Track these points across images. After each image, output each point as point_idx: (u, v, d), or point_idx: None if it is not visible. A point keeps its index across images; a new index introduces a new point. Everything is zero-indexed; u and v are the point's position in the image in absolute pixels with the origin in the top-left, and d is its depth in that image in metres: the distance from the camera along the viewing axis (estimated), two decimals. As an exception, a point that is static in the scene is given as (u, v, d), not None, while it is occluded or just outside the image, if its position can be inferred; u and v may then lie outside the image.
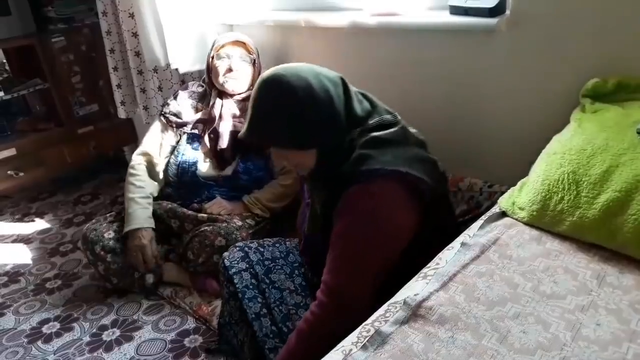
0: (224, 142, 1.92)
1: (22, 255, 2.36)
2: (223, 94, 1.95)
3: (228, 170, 1.95)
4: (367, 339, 0.90)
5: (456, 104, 1.66)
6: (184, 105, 2.02)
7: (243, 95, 1.95)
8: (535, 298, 0.93)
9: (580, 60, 1.35)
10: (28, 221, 2.67)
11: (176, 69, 2.26)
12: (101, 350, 1.73)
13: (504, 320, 0.89)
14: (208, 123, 1.95)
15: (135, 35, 2.28)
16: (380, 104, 1.27)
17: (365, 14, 1.75)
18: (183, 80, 2.38)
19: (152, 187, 1.97)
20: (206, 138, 1.94)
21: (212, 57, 1.92)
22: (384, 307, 0.98)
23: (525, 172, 1.22)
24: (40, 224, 2.63)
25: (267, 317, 1.31)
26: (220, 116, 1.92)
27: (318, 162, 1.22)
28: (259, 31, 2.15)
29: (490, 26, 1.43)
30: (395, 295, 1.01)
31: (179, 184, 1.98)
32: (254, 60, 1.94)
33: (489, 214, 1.20)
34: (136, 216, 1.86)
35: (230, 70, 1.89)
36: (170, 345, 1.72)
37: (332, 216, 1.18)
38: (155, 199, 1.98)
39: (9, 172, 2.62)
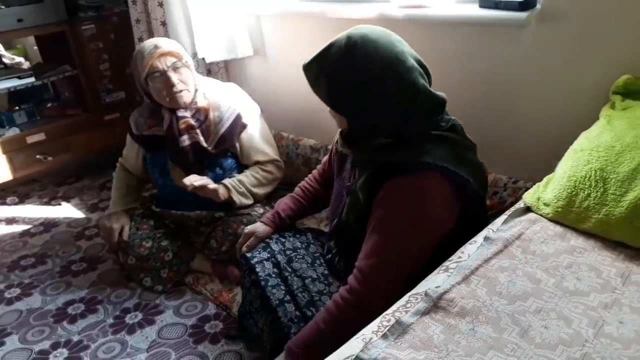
0: (189, 158, 1.84)
1: (49, 238, 2.42)
2: (173, 109, 1.83)
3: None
4: (387, 328, 0.90)
5: (482, 98, 1.65)
6: (139, 124, 1.95)
7: (197, 105, 1.85)
8: (558, 294, 0.93)
9: (611, 57, 1.33)
10: (55, 205, 2.73)
11: (203, 59, 2.28)
12: (124, 332, 1.77)
13: (525, 314, 0.89)
14: (169, 141, 1.85)
15: (163, 24, 2.31)
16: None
17: (392, 6, 1.74)
18: (209, 70, 2.40)
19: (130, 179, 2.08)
20: (169, 159, 1.89)
21: (146, 81, 1.78)
22: (405, 297, 0.99)
23: (550, 169, 1.21)
24: (66, 208, 2.69)
25: (290, 303, 1.32)
26: (179, 132, 1.81)
27: (349, 131, 1.24)
28: (286, 22, 2.15)
29: (520, 20, 1.41)
30: (417, 287, 1.01)
31: (168, 198, 1.98)
32: (185, 61, 1.81)
33: (513, 209, 1.19)
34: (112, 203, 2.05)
35: (171, 86, 1.76)
36: (190, 330, 1.75)
37: (371, 203, 1.19)
38: (158, 205, 2.00)
39: (37, 156, 2.69)
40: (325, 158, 1.59)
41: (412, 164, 1.14)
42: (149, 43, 1.81)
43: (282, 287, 1.35)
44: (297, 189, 1.62)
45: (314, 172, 1.63)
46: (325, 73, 1.17)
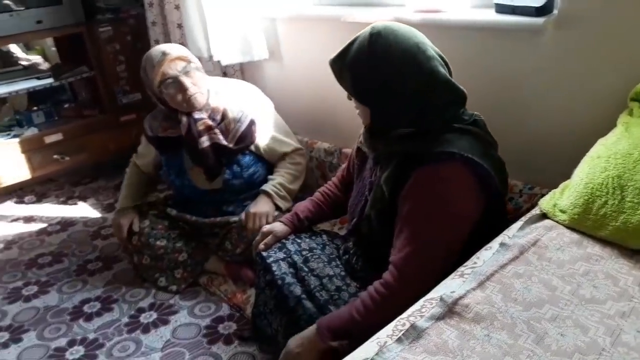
0: (209, 160, 1.86)
1: (66, 237, 2.45)
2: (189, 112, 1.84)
3: (217, 183, 1.91)
4: (402, 332, 0.91)
5: (498, 103, 1.64)
6: (154, 128, 1.97)
7: (210, 106, 1.86)
8: (574, 301, 0.93)
9: (629, 64, 1.32)
10: (71, 204, 2.77)
11: (218, 61, 2.30)
12: (138, 331, 1.80)
13: (541, 321, 0.89)
14: (188, 144, 1.86)
15: (179, 26, 2.33)
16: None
17: (408, 11, 1.74)
18: (225, 72, 2.42)
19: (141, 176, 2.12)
20: (187, 158, 1.91)
21: (160, 89, 1.79)
22: (420, 302, 0.99)
23: (566, 176, 1.21)
24: (82, 208, 2.72)
25: (308, 301, 1.32)
26: (199, 134, 1.83)
27: (370, 123, 1.26)
28: (301, 25, 2.16)
29: (537, 26, 1.41)
30: (432, 292, 1.02)
31: (185, 200, 2.01)
32: (194, 64, 1.82)
33: (529, 215, 1.19)
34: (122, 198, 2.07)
35: (185, 90, 1.77)
36: (204, 331, 1.76)
37: (396, 197, 1.20)
38: (173, 206, 2.03)
39: (54, 156, 2.73)
40: (345, 165, 1.60)
41: (437, 153, 1.15)
42: (155, 51, 1.81)
43: (299, 286, 1.35)
44: (316, 193, 1.63)
45: (334, 178, 1.65)
46: (349, 63, 1.21)
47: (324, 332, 1.17)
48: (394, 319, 0.97)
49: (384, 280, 1.17)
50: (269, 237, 1.52)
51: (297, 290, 1.34)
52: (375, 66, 1.17)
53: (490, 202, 1.20)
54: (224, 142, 1.84)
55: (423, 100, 1.17)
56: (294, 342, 1.22)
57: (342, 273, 1.42)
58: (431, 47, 1.20)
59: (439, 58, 1.20)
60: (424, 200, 1.15)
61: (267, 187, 1.89)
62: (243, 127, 1.87)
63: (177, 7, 2.30)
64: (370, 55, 1.17)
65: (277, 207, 1.87)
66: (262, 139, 1.93)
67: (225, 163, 1.89)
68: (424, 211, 1.15)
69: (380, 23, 1.21)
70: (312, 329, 1.21)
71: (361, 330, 1.05)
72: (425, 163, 1.15)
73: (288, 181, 1.92)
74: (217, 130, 1.84)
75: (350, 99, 1.28)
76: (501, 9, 1.51)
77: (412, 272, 1.14)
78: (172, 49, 1.81)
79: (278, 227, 1.54)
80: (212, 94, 1.88)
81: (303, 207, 1.59)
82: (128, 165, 2.15)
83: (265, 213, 1.83)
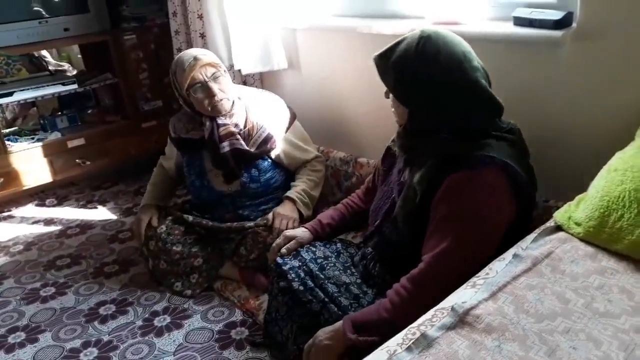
0: (229, 164, 1.89)
1: (84, 240, 2.49)
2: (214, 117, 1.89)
3: (235, 185, 1.94)
4: (412, 341, 0.91)
5: (515, 116, 1.62)
6: (178, 129, 2.01)
7: (235, 112, 1.91)
8: (588, 315, 0.92)
9: (649, 77, 1.31)
10: (91, 208, 2.82)
11: (239, 70, 2.33)
12: (152, 334, 1.81)
13: (553, 334, 0.88)
14: (210, 147, 1.90)
15: (202, 35, 2.38)
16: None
17: (426, 23, 1.75)
18: (245, 82, 2.45)
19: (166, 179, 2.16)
20: (207, 160, 1.95)
21: (188, 93, 1.84)
22: (431, 311, 0.99)
23: (582, 188, 1.20)
24: (102, 211, 2.77)
25: (331, 304, 1.33)
26: (220, 139, 1.87)
27: (408, 124, 1.27)
28: (319, 36, 2.19)
29: (555, 39, 1.41)
30: (443, 301, 1.01)
31: (202, 203, 2.04)
32: (224, 70, 1.88)
33: (543, 227, 1.18)
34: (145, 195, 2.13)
35: (213, 96, 1.82)
36: (217, 336, 1.77)
37: (428, 200, 1.21)
38: (190, 209, 2.07)
39: (77, 160, 2.78)
40: (370, 177, 1.63)
41: (476, 156, 1.17)
42: (187, 55, 1.87)
43: (320, 292, 1.36)
44: (339, 204, 1.66)
45: (358, 191, 1.68)
46: (394, 62, 1.23)
47: (349, 327, 1.19)
48: (420, 315, 0.98)
49: (412, 276, 1.19)
50: (292, 242, 1.52)
51: (321, 294, 1.35)
52: (420, 69, 1.20)
53: (522, 209, 1.22)
54: (245, 148, 1.89)
55: (462, 108, 1.21)
56: (323, 333, 1.24)
57: (358, 281, 1.42)
58: (476, 59, 1.24)
59: (482, 70, 1.23)
60: (463, 202, 1.17)
61: (291, 193, 1.94)
62: (265, 133, 1.92)
63: (200, 17, 2.35)
64: (417, 58, 1.20)
65: (300, 214, 1.91)
66: (284, 145, 1.98)
67: (244, 167, 1.93)
68: (462, 213, 1.17)
69: (430, 28, 1.25)
70: (339, 323, 1.23)
71: (387, 326, 1.07)
72: (463, 167, 1.17)
73: (310, 188, 1.97)
74: (238, 136, 1.88)
75: (388, 97, 1.31)
76: (519, 21, 1.51)
77: (443, 270, 1.15)
78: (204, 54, 1.87)
79: (301, 233, 1.56)
80: (237, 101, 1.93)
81: (326, 215, 1.61)
82: (149, 170, 2.20)
83: (292, 218, 1.87)
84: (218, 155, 1.89)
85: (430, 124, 1.25)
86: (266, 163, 1.96)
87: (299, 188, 1.95)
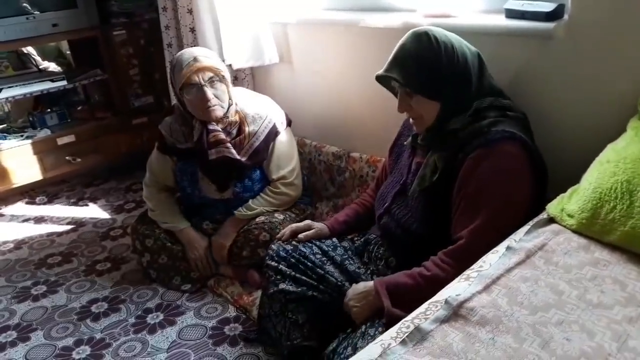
0: (217, 172, 1.87)
1: (76, 238, 2.47)
2: (206, 121, 1.84)
3: (228, 193, 1.92)
4: (406, 334, 0.90)
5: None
6: (174, 131, 1.94)
7: (228, 119, 1.86)
8: (581, 306, 0.92)
9: (640, 69, 1.31)
10: (82, 205, 2.80)
11: (230, 65, 2.31)
12: (145, 332, 1.80)
13: (546, 326, 0.88)
14: (198, 153, 1.85)
15: (192, 30, 2.35)
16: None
17: (418, 15, 1.74)
18: (236, 77, 2.44)
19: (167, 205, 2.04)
20: (199, 171, 1.91)
21: (182, 91, 1.79)
22: (425, 305, 0.99)
23: (574, 180, 1.20)
24: (93, 209, 2.75)
25: (333, 268, 1.43)
26: (209, 145, 1.82)
27: (438, 117, 1.29)
28: (311, 30, 2.17)
29: (547, 31, 1.41)
30: (437, 295, 1.01)
31: (194, 207, 2.02)
32: (223, 75, 1.81)
33: (536, 219, 1.18)
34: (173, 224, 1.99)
35: (206, 100, 1.76)
36: (210, 332, 1.77)
37: (448, 176, 1.25)
38: (185, 210, 2.05)
39: (67, 157, 2.76)
40: (379, 173, 1.66)
41: (497, 132, 1.21)
42: (188, 54, 1.80)
43: (317, 268, 1.44)
44: (353, 203, 1.69)
45: (368, 190, 1.70)
46: (415, 64, 1.27)
47: (383, 289, 1.23)
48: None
49: (451, 251, 1.22)
50: (311, 231, 1.54)
51: (319, 270, 1.43)
52: (443, 59, 1.25)
53: (538, 187, 1.26)
54: (236, 156, 1.83)
55: (479, 76, 1.30)
56: (353, 294, 1.31)
57: (357, 270, 1.45)
58: (464, 43, 1.33)
59: (477, 55, 1.35)
60: (490, 176, 1.20)
61: (240, 209, 1.91)
62: (257, 142, 1.87)
63: (190, 12, 2.32)
64: (435, 50, 1.25)
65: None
66: (271, 154, 1.92)
67: (236, 176, 1.88)
68: (491, 187, 1.20)
69: (419, 28, 1.31)
70: (370, 285, 1.29)
71: (419, 292, 1.10)
72: (484, 143, 1.21)
73: (261, 204, 1.91)
74: (228, 144, 1.82)
75: (403, 111, 1.33)
76: (511, 14, 1.50)
77: (482, 245, 1.15)
78: (206, 57, 1.80)
79: (318, 224, 1.58)
80: (232, 109, 1.86)
81: (342, 213, 1.64)
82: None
83: (224, 246, 1.92)
84: (207, 162, 1.84)
85: (460, 106, 1.28)
86: (258, 173, 1.91)
87: (248, 205, 1.90)
